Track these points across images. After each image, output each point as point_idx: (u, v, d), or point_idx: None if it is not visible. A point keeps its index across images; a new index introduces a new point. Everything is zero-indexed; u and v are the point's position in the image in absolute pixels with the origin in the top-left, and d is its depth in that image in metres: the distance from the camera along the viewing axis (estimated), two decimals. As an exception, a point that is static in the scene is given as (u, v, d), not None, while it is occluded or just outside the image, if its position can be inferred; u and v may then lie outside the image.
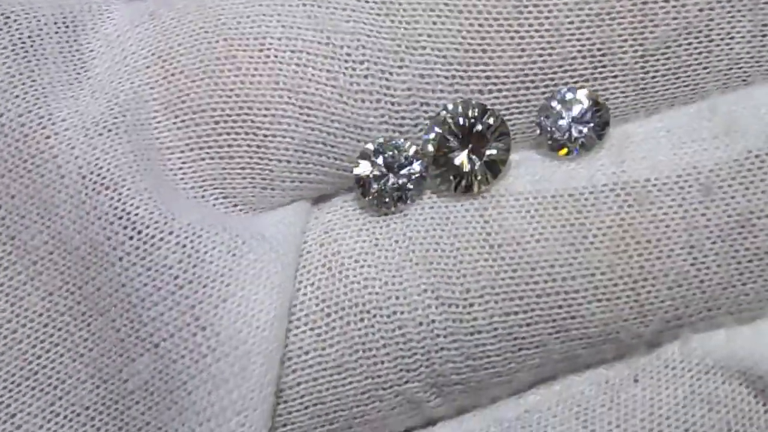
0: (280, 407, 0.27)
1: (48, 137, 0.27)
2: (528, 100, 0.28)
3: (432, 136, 0.28)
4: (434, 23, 0.28)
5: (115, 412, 0.26)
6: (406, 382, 0.27)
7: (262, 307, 0.26)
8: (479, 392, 0.28)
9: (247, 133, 0.28)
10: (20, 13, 0.28)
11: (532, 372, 0.27)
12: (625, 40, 0.28)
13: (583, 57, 0.28)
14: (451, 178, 0.28)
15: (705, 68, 0.28)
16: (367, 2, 0.28)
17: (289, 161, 0.28)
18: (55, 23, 0.28)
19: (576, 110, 0.28)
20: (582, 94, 0.28)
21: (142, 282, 0.26)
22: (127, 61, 0.28)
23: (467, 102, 0.28)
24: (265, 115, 0.28)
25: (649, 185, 0.27)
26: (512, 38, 0.28)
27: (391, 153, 0.28)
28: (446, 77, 0.28)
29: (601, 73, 0.28)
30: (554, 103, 0.28)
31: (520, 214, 0.27)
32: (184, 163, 0.28)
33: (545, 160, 0.28)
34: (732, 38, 0.28)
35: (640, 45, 0.28)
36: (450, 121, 0.28)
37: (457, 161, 0.28)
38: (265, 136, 0.28)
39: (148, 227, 0.26)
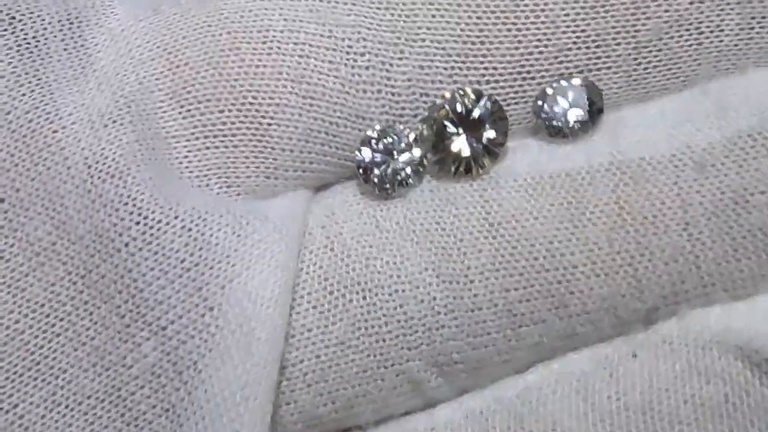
0: (283, 384, 0.27)
1: (55, 131, 0.27)
2: (525, 90, 0.29)
3: (430, 122, 0.28)
4: (433, 16, 0.28)
5: (117, 399, 0.26)
6: (408, 360, 0.27)
7: (267, 286, 0.26)
8: (479, 371, 0.28)
9: (251, 123, 0.28)
10: (25, 12, 0.29)
11: (532, 350, 0.27)
12: (619, 32, 0.28)
13: (578, 48, 0.28)
14: (451, 163, 0.28)
15: (695, 59, 0.29)
16: (368, -4, 0.29)
17: (292, 150, 0.29)
18: (60, 21, 0.29)
19: (571, 96, 0.28)
20: (577, 82, 0.28)
21: (148, 266, 0.26)
22: (132, 53, 0.29)
23: (464, 89, 0.28)
24: (269, 105, 0.28)
25: (644, 164, 0.27)
26: (509, 30, 0.28)
27: (390, 140, 0.28)
28: (445, 68, 0.28)
29: (595, 63, 0.29)
30: (549, 90, 0.28)
31: (519, 193, 0.28)
32: (189, 151, 0.28)
33: (542, 144, 0.29)
34: (721, 30, 0.29)
35: (633, 37, 0.28)
36: (447, 107, 0.28)
37: (455, 147, 0.28)
38: (269, 125, 0.28)
39: (153, 212, 0.27)
